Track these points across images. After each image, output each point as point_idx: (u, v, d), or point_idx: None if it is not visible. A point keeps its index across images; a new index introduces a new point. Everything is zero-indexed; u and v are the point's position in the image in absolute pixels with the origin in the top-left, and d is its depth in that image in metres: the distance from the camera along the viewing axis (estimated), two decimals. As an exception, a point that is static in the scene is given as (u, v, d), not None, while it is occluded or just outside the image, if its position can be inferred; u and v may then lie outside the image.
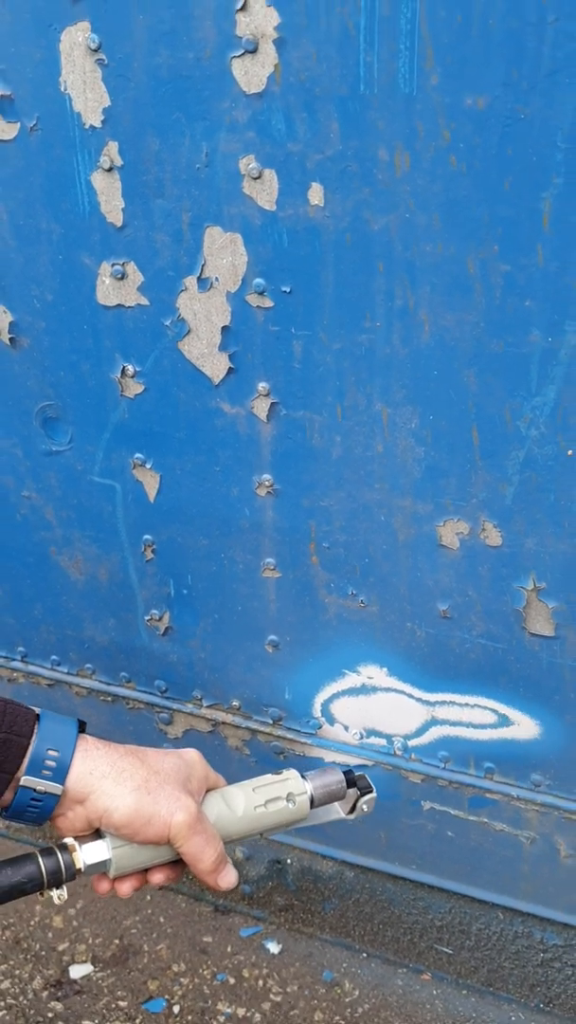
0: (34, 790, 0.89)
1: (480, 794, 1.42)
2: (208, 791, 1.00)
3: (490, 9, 0.95)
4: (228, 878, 0.97)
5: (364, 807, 1.06)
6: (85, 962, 1.75)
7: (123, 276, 1.24)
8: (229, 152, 1.11)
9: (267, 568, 1.38)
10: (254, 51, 1.05)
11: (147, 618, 1.51)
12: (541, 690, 1.29)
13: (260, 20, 1.03)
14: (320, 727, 1.49)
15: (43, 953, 1.77)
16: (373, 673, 1.39)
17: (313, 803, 1.02)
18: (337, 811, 1.07)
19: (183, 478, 1.37)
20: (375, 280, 1.12)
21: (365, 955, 1.72)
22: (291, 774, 1.02)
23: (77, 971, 1.73)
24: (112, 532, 1.46)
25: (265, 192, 1.12)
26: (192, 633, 1.48)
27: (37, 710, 0.93)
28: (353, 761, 1.48)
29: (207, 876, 0.95)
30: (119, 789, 0.90)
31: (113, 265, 1.24)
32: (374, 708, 1.42)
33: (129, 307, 1.26)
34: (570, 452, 1.13)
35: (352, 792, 1.06)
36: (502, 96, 0.98)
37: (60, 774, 0.90)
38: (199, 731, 1.59)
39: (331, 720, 1.47)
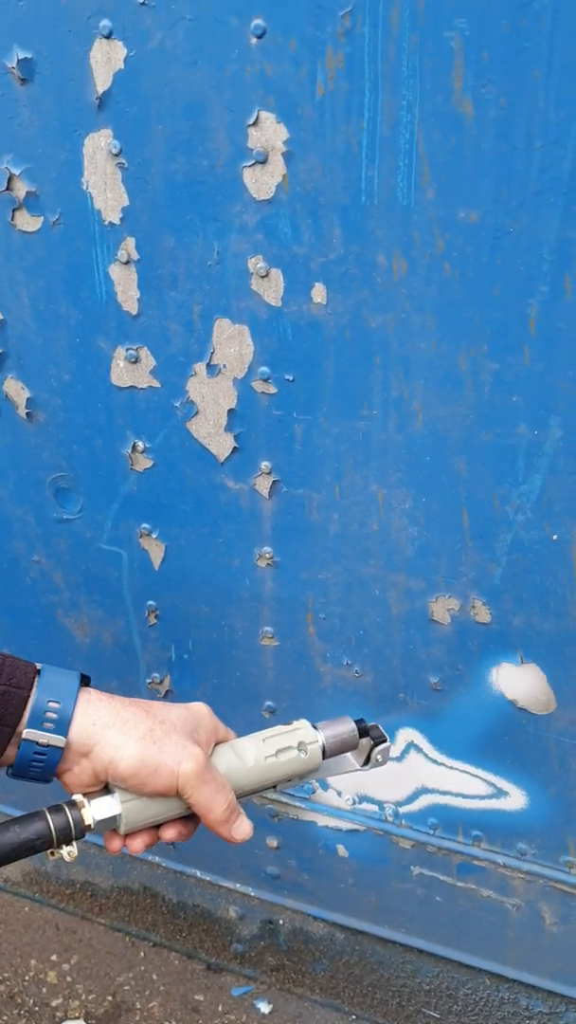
0: (37, 743, 0.87)
1: (468, 861, 1.47)
2: (218, 743, 0.97)
3: (482, 133, 1.03)
4: (243, 828, 0.93)
5: (379, 757, 1.02)
6: (78, 1018, 1.77)
7: (136, 360, 1.31)
8: (239, 252, 1.19)
9: (265, 636, 1.44)
10: (264, 162, 1.13)
11: (148, 681, 1.57)
12: (527, 762, 1.35)
13: (270, 135, 1.12)
14: (314, 792, 1.53)
15: (36, 1009, 1.79)
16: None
17: (325, 753, 0.99)
18: (351, 762, 1.04)
19: (187, 548, 1.43)
20: (372, 372, 1.20)
21: (354, 1017, 1.75)
22: (302, 724, 0.99)
23: (70, 1027, 1.76)
24: (117, 597, 1.52)
25: (272, 289, 1.20)
26: (192, 696, 1.54)
27: (38, 665, 0.91)
28: (345, 826, 1.53)
29: (220, 827, 0.91)
30: (123, 739, 0.87)
31: (127, 350, 1.31)
32: (366, 776, 1.47)
33: (141, 388, 1.33)
34: (555, 537, 1.19)
35: (365, 742, 1.02)
36: (493, 211, 1.06)
37: (62, 726, 0.87)
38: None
39: (324, 786, 1.52)
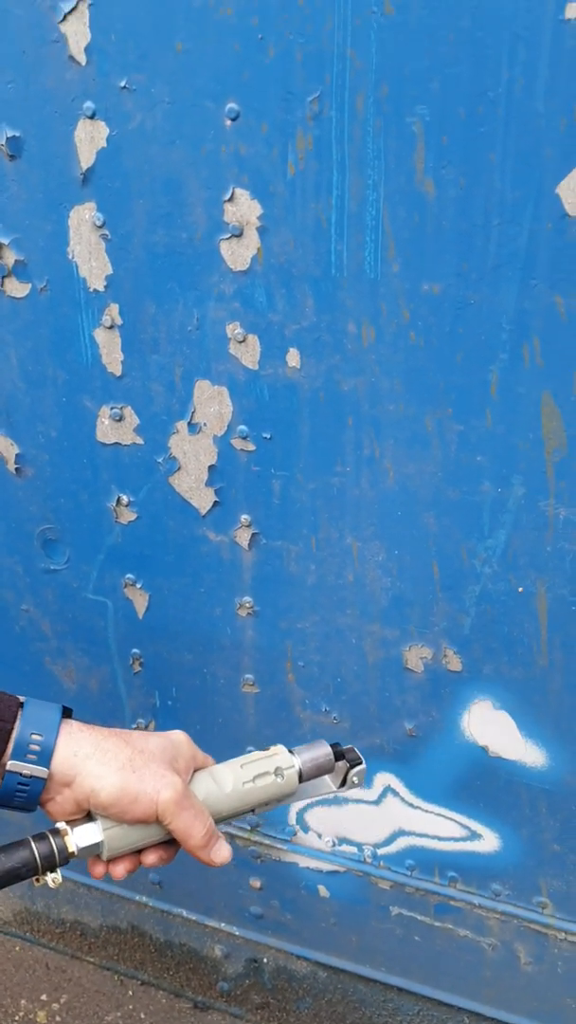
0: (20, 774, 0.88)
1: (444, 901, 1.50)
2: (196, 770, 0.99)
3: (443, 211, 1.09)
4: (221, 853, 0.95)
5: (355, 779, 1.04)
6: (66, 1058, 1.80)
7: (121, 418, 1.37)
8: (217, 318, 1.25)
9: (246, 683, 1.49)
10: (240, 235, 1.19)
11: (134, 726, 1.61)
12: (500, 806, 1.39)
13: (245, 210, 1.18)
14: (295, 834, 1.57)
15: (26, 1048, 1.82)
16: (344, 784, 1.48)
17: (302, 777, 1.00)
18: (328, 784, 1.05)
19: (170, 597, 1.48)
20: (345, 432, 1.25)
21: (338, 1056, 1.77)
22: (278, 749, 1.01)
23: (58, 1067, 1.78)
24: (103, 645, 1.56)
25: (249, 354, 1.25)
26: (176, 741, 1.58)
27: (21, 698, 0.92)
28: (326, 868, 1.57)
29: (199, 852, 0.93)
30: (103, 769, 0.89)
31: (112, 408, 1.37)
32: (345, 818, 1.51)
33: (125, 445, 1.39)
34: (520, 589, 1.24)
35: (341, 765, 1.03)
36: (455, 284, 1.12)
37: (45, 757, 0.89)
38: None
39: (305, 828, 1.56)
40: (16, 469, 1.47)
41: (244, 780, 0.97)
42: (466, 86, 1.03)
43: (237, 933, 1.75)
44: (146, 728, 1.60)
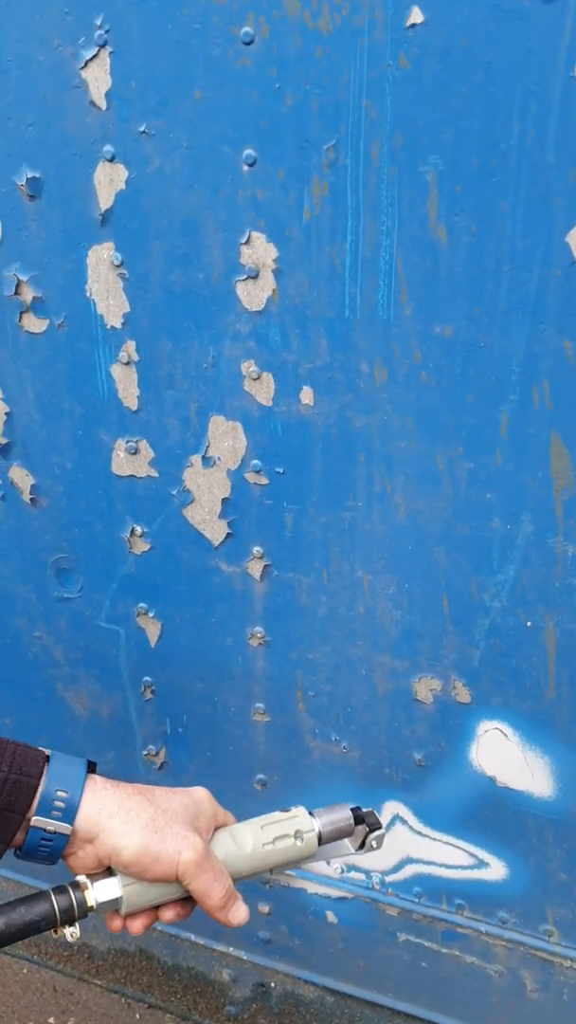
0: (44, 830, 0.90)
1: (451, 928, 1.52)
2: (217, 828, 0.99)
3: (455, 257, 1.12)
4: (239, 914, 0.96)
5: (373, 843, 1.05)
6: None
7: (136, 451, 1.39)
8: (232, 356, 1.27)
9: (257, 712, 1.51)
10: (255, 277, 1.22)
11: (145, 753, 1.63)
12: (507, 835, 1.41)
13: (261, 253, 1.20)
14: (304, 860, 1.59)
15: (34, 1071, 1.83)
16: (353, 812, 1.50)
17: (321, 840, 1.01)
18: (347, 847, 1.06)
19: (182, 627, 1.50)
20: (357, 467, 1.28)
21: (344, 1080, 1.79)
22: (299, 811, 1.02)
23: None
24: (115, 673, 1.58)
25: (263, 391, 1.28)
26: (186, 769, 1.60)
27: (47, 751, 0.94)
28: (334, 894, 1.58)
29: (217, 913, 0.95)
30: (127, 828, 0.90)
31: (127, 442, 1.39)
32: (354, 845, 1.53)
33: (140, 477, 1.41)
34: (529, 624, 1.27)
35: (360, 828, 1.04)
36: (466, 327, 1.14)
37: (69, 814, 0.90)
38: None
39: (314, 854, 1.58)
40: (32, 499, 1.49)
41: (264, 842, 0.98)
42: (478, 137, 1.06)
43: (245, 957, 1.77)
44: (156, 755, 1.62)
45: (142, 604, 1.51)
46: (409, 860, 1.50)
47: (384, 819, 1.48)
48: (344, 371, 1.22)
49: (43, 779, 0.91)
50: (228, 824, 1.02)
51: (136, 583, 1.50)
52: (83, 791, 0.92)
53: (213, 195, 1.20)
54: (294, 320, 1.22)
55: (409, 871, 1.51)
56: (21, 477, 1.48)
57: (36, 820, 0.90)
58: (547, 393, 1.14)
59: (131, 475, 1.42)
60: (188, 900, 0.96)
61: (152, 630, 1.52)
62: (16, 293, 1.35)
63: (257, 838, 0.98)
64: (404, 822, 1.47)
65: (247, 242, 1.21)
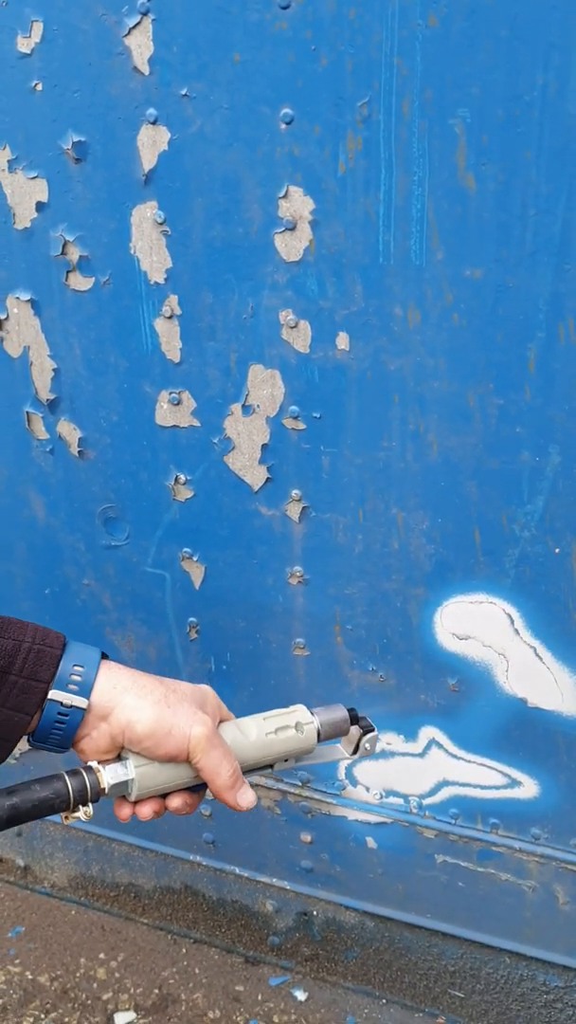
0: (61, 703, 0.92)
1: (487, 847, 1.61)
2: (221, 721, 1.03)
3: (483, 204, 1.19)
4: (247, 796, 0.99)
5: (367, 746, 1.09)
6: (128, 1010, 1.91)
7: (179, 402, 1.47)
8: (271, 306, 1.35)
9: (297, 647, 1.59)
10: (293, 229, 1.30)
11: (191, 691, 1.72)
12: (538, 754, 1.49)
13: (298, 206, 1.28)
14: (344, 788, 1.68)
15: (89, 1002, 1.93)
16: (391, 740, 1.59)
17: (320, 735, 1.06)
18: (341, 751, 1.11)
19: (225, 569, 1.58)
20: (391, 409, 1.36)
21: (384, 1001, 1.88)
22: (299, 707, 1.07)
23: (121, 1019, 1.89)
24: (161, 615, 1.67)
25: (300, 338, 1.36)
26: (230, 704, 1.66)
27: (63, 636, 0.97)
28: (374, 820, 1.67)
29: (226, 792, 0.97)
30: (141, 702, 0.93)
31: (171, 393, 1.47)
32: (392, 771, 1.62)
33: (183, 427, 1.49)
34: (557, 550, 1.35)
35: (355, 730, 1.09)
36: (494, 269, 1.22)
37: (85, 689, 0.93)
38: (235, 793, 1.78)
39: (354, 782, 1.67)
40: (79, 452, 1.58)
41: (267, 731, 1.03)
42: (504, 90, 1.13)
43: (288, 887, 1.86)
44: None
45: (186, 549, 1.59)
46: (445, 783, 1.59)
47: (420, 744, 1.57)
48: (379, 316, 1.30)
49: (62, 654, 0.94)
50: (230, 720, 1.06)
51: (180, 529, 1.58)
52: (99, 668, 0.95)
53: (252, 153, 1.28)
54: (330, 269, 1.30)
55: (445, 793, 1.60)
56: (69, 431, 1.57)
57: (53, 694, 0.92)
58: (572, 330, 1.22)
59: (174, 425, 1.50)
60: (195, 789, 1.00)
61: (196, 573, 1.61)
62: (63, 253, 1.43)
63: (260, 728, 1.03)
64: (440, 746, 1.56)
65: (285, 196, 1.28)
